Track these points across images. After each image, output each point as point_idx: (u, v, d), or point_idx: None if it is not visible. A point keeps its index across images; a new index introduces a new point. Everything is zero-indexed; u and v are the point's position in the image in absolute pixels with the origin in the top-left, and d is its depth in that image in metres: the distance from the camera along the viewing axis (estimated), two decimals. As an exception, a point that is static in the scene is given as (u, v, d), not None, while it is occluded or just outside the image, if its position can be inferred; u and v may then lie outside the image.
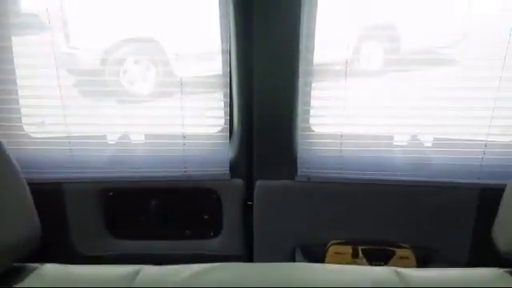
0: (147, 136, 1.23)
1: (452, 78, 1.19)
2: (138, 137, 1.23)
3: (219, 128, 1.20)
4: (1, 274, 0.48)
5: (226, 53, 1.13)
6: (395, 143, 1.25)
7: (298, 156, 1.18)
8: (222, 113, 1.18)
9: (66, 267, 0.51)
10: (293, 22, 1.06)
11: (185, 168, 1.21)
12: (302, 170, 1.19)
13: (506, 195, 0.54)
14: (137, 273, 0.51)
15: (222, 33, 1.13)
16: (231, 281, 0.51)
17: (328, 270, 0.51)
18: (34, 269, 0.51)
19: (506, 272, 0.50)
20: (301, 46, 1.10)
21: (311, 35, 1.12)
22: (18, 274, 0.49)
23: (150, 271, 0.51)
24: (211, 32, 1.14)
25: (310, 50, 1.13)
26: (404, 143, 1.26)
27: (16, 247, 0.49)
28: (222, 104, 1.17)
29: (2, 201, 0.48)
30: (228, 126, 1.18)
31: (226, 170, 1.20)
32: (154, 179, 1.19)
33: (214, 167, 1.21)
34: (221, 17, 1.11)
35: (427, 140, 1.25)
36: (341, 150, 1.21)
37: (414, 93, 1.18)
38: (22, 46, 1.15)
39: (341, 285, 0.48)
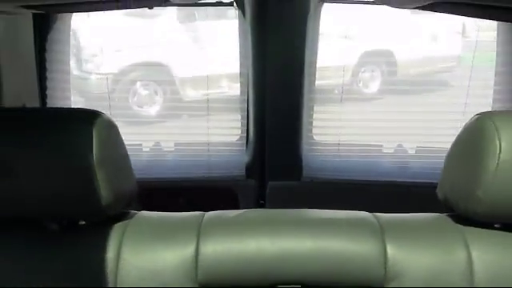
0: (177, 144, 1.51)
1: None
2: (170, 145, 1.51)
3: (237, 137, 1.48)
4: (113, 216, 0.74)
5: (244, 75, 1.42)
6: (384, 150, 1.53)
7: (303, 160, 1.46)
8: (239, 124, 1.46)
9: (157, 213, 0.77)
10: (299, 50, 1.35)
11: (209, 170, 1.48)
12: (306, 173, 1.47)
13: (447, 156, 0.77)
14: (202, 215, 0.76)
15: (240, 59, 1.42)
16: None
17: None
18: (134, 214, 0.77)
19: (447, 216, 0.76)
20: (305, 70, 1.39)
21: (314, 62, 1.40)
22: (125, 216, 0.75)
23: (212, 214, 0.77)
24: (232, 59, 1.44)
25: (313, 74, 1.42)
26: (391, 150, 1.54)
27: (125, 197, 0.75)
28: (240, 117, 1.45)
29: (121, 161, 0.73)
30: (245, 135, 1.46)
31: (242, 172, 1.48)
32: (183, 180, 1.46)
33: (232, 170, 1.48)
34: (240, 46, 1.41)
35: (411, 147, 1.53)
36: (339, 156, 1.49)
37: (401, 113, 1.47)
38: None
39: (315, 221, 0.73)
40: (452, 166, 0.75)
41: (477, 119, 0.71)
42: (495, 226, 0.73)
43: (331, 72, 1.58)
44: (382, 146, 1.54)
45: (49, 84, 1.39)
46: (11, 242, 0.73)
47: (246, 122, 1.45)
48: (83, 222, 0.75)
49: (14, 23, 1.22)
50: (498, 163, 0.67)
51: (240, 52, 1.41)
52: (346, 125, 1.47)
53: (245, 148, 1.48)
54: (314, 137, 1.48)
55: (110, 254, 0.70)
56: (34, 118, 0.72)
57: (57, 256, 0.71)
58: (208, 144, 1.49)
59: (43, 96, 1.36)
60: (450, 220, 0.75)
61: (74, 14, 1.39)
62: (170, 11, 2.13)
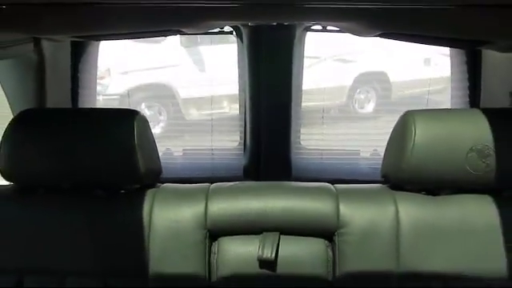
0: (185, 150, 1.85)
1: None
2: (178, 149, 1.84)
3: (236, 143, 1.81)
4: (145, 186, 1.06)
5: (242, 94, 1.76)
6: (361, 155, 1.87)
7: (292, 163, 1.79)
8: (239, 133, 1.80)
9: (177, 184, 1.10)
10: (286, 74, 1.69)
11: (212, 172, 1.81)
12: (294, 173, 1.79)
13: (387, 143, 1.09)
14: (209, 185, 1.09)
15: (238, 81, 1.77)
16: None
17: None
18: (160, 185, 1.09)
19: (385, 186, 1.08)
20: (293, 90, 1.73)
21: (300, 84, 1.75)
22: (154, 186, 1.07)
23: (216, 184, 1.09)
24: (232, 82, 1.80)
25: (299, 93, 1.77)
26: (367, 155, 1.87)
27: (155, 171, 1.08)
28: (240, 128, 1.79)
29: (152, 146, 1.06)
30: (243, 141, 1.79)
31: (240, 173, 1.80)
32: (190, 179, 1.78)
33: (232, 171, 1.81)
34: (238, 67, 1.76)
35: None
36: (322, 159, 1.82)
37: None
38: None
39: (289, 188, 1.07)
40: (388, 149, 1.09)
41: (403, 115, 1.05)
42: (421, 192, 1.06)
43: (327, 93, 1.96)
44: (359, 151, 1.88)
45: (80, 104, 1.74)
46: (69, 206, 1.06)
47: (243, 131, 1.79)
48: (123, 191, 1.08)
49: (58, 48, 1.57)
50: (413, 144, 1.01)
51: (239, 74, 1.77)
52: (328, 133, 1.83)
53: (243, 153, 1.82)
54: (301, 142, 1.82)
55: (145, 211, 1.03)
56: (92, 114, 1.07)
57: (104, 215, 1.04)
58: (212, 150, 1.83)
59: None
60: (386, 188, 1.08)
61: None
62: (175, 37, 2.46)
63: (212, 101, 2.13)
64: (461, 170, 1.01)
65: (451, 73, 1.78)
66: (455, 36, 1.34)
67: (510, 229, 1.01)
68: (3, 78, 1.53)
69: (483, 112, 1.05)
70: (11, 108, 1.57)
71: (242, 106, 1.79)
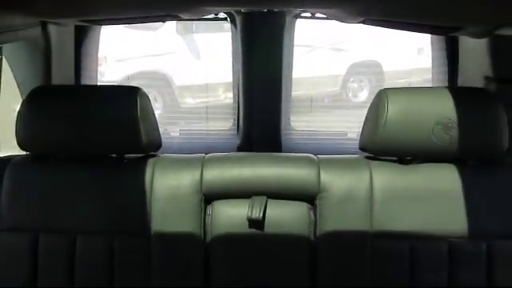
0: (182, 130, 1.98)
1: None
2: (175, 129, 1.98)
3: (231, 124, 1.95)
4: (147, 155, 1.20)
5: (236, 78, 1.89)
6: (348, 136, 2.00)
7: (282, 143, 1.92)
8: (232, 115, 1.94)
9: (176, 154, 1.23)
10: (277, 60, 1.81)
11: (207, 151, 1.95)
12: (284, 151, 1.93)
13: (364, 119, 1.23)
14: (204, 155, 1.22)
15: (232, 65, 1.90)
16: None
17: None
18: (161, 154, 1.22)
19: (363, 156, 1.22)
20: (283, 74, 1.86)
21: (290, 70, 1.88)
22: (155, 155, 1.21)
23: (211, 154, 1.23)
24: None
25: (289, 77, 1.90)
26: (354, 136, 2.01)
27: (156, 142, 1.22)
28: (234, 110, 1.93)
29: (152, 118, 1.20)
30: (236, 123, 1.92)
31: (234, 152, 1.94)
32: None
33: (226, 150, 1.94)
34: (232, 53, 1.88)
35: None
36: (310, 139, 1.96)
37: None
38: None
39: (276, 157, 1.22)
40: (365, 124, 1.23)
41: (378, 93, 1.19)
42: (393, 161, 1.20)
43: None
44: (346, 132, 2.02)
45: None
46: (78, 173, 1.20)
47: (237, 114, 1.92)
48: (127, 160, 1.22)
49: (63, 33, 1.69)
50: (386, 119, 1.15)
51: (233, 59, 1.90)
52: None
53: (236, 133, 1.95)
54: (291, 123, 1.95)
55: (147, 177, 1.17)
56: (98, 90, 1.20)
57: (110, 181, 1.18)
58: (207, 130, 1.97)
59: None
60: (362, 158, 1.22)
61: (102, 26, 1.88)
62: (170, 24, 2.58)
63: (207, 88, 2.26)
64: (428, 141, 1.15)
65: (432, 58, 1.92)
66: (433, 23, 1.48)
67: (471, 194, 1.15)
68: (12, 60, 1.66)
69: (449, 90, 1.19)
70: (19, 88, 1.70)
71: (236, 88, 1.92)
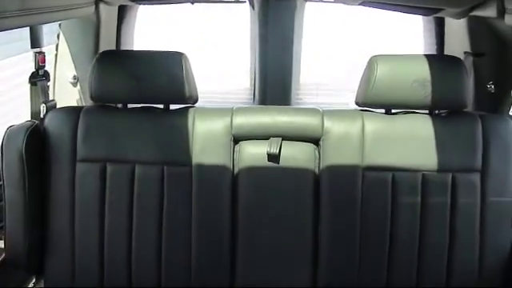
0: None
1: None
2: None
3: (248, 87, 2.33)
4: (189, 106, 1.59)
5: (253, 53, 2.28)
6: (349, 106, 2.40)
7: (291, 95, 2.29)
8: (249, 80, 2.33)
9: (208, 107, 1.63)
10: (288, 39, 2.18)
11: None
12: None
13: (363, 72, 1.63)
14: (233, 107, 1.61)
15: (250, 42, 2.28)
16: None
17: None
18: (199, 106, 1.63)
19: (358, 109, 1.61)
20: (293, 48, 2.24)
21: (300, 46, 2.25)
22: (195, 106, 1.61)
23: (239, 106, 1.62)
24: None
25: (299, 53, 2.28)
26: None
27: (196, 96, 1.62)
28: (251, 81, 2.32)
29: (193, 75, 1.62)
30: (253, 86, 2.30)
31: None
32: None
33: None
34: (251, 31, 2.27)
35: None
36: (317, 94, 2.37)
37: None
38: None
39: (292, 109, 1.62)
40: (360, 83, 1.61)
41: (370, 59, 1.57)
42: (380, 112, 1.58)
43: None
44: (348, 103, 2.41)
45: None
46: (137, 117, 1.59)
47: (254, 78, 2.30)
48: (174, 107, 1.61)
49: (109, 12, 2.08)
50: (375, 78, 1.53)
51: (251, 37, 2.28)
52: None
53: (252, 98, 2.34)
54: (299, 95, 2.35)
55: (190, 121, 1.57)
56: (152, 54, 1.59)
57: (162, 123, 1.57)
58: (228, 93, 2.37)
59: None
60: (358, 110, 1.61)
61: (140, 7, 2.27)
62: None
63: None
64: (407, 95, 1.53)
65: (424, 37, 2.31)
66: (420, 5, 1.86)
67: (440, 137, 1.53)
68: (68, 34, 2.05)
69: (425, 56, 1.57)
70: (72, 58, 2.10)
71: (253, 64, 2.30)
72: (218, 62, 2.55)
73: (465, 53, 2.00)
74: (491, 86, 1.93)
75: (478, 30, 1.90)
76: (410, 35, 2.58)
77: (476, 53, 1.95)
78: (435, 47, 2.27)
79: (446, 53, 2.19)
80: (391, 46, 2.54)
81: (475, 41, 1.94)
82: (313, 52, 2.45)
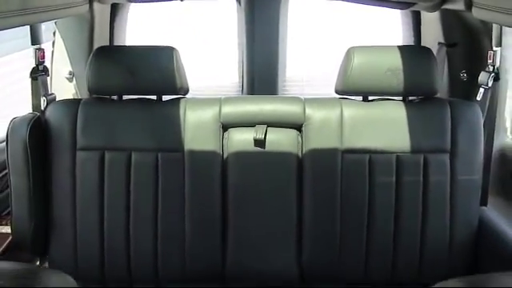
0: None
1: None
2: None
3: (237, 81, 2.48)
4: (181, 97, 1.74)
5: (241, 48, 2.41)
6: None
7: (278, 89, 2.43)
8: (237, 74, 2.47)
9: (198, 97, 1.77)
10: (274, 30, 2.33)
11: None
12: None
13: (341, 62, 1.79)
14: (221, 97, 1.74)
15: (238, 36, 2.42)
16: None
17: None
18: (190, 97, 1.77)
19: (338, 97, 1.76)
20: (279, 43, 2.38)
21: (285, 40, 2.40)
22: (185, 97, 1.76)
23: (227, 96, 1.76)
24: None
25: (285, 47, 2.42)
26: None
27: (187, 87, 1.77)
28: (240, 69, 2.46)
29: (183, 68, 1.77)
30: (241, 80, 2.44)
31: None
32: None
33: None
34: (238, 26, 2.41)
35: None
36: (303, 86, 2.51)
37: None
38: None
39: (275, 98, 1.80)
40: (338, 73, 1.76)
41: (347, 50, 1.72)
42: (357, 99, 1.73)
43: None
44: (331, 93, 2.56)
45: None
46: (132, 107, 1.72)
47: (242, 73, 2.44)
48: (166, 98, 1.75)
49: (102, 10, 2.21)
50: (352, 67, 1.68)
51: (238, 31, 2.42)
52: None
53: (241, 90, 2.48)
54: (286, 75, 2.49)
55: (181, 111, 1.71)
56: (144, 48, 1.73)
57: (155, 113, 1.71)
58: (217, 86, 2.50)
59: None
60: (337, 98, 1.76)
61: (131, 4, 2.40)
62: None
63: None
64: (382, 83, 1.68)
65: (402, 30, 2.46)
66: (395, -1, 2.01)
67: (411, 121, 1.69)
68: (63, 32, 2.18)
69: (397, 47, 1.72)
70: (68, 54, 2.23)
71: (241, 58, 2.44)
72: (209, 58, 2.68)
73: (439, 43, 2.16)
74: (464, 75, 2.09)
75: (451, 22, 2.05)
76: (391, 28, 2.74)
77: (449, 43, 2.11)
78: (413, 39, 2.42)
79: (422, 43, 2.35)
80: (374, 38, 2.69)
81: (448, 32, 2.10)
82: (299, 47, 2.59)
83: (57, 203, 1.69)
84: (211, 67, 2.68)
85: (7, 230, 1.72)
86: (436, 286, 0.84)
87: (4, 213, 1.84)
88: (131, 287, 1.73)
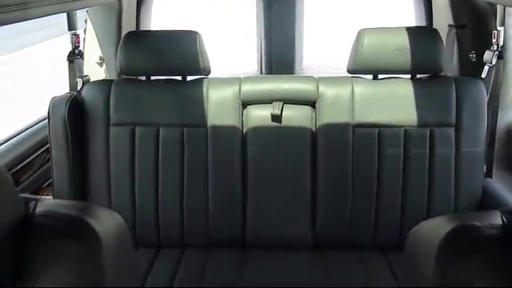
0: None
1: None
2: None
3: (257, 67, 2.63)
4: (203, 77, 1.93)
5: (259, 35, 2.57)
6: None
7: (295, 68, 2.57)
8: (256, 63, 2.62)
9: (219, 77, 1.94)
10: (292, 15, 2.47)
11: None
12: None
13: (352, 43, 1.91)
14: (241, 77, 1.91)
15: (257, 22, 2.57)
16: None
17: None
18: (212, 77, 1.96)
19: (349, 76, 1.90)
20: (296, 26, 2.52)
21: (302, 24, 2.54)
22: (207, 78, 1.95)
23: (247, 76, 1.92)
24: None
25: (302, 31, 2.56)
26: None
27: (209, 68, 1.94)
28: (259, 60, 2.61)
29: (205, 50, 1.94)
30: (260, 65, 2.60)
31: None
32: None
33: None
34: (257, 12, 2.56)
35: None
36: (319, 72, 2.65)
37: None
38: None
39: (292, 77, 1.96)
40: (350, 54, 1.90)
41: (358, 31, 1.86)
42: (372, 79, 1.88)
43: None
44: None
45: None
46: (159, 86, 1.90)
47: (260, 58, 2.60)
48: (190, 78, 1.92)
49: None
50: (362, 47, 1.82)
51: (257, 17, 2.57)
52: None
53: (260, 69, 2.63)
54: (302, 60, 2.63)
55: (204, 89, 1.88)
56: (170, 33, 1.90)
57: (180, 91, 1.89)
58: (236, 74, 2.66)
59: None
60: (349, 77, 1.90)
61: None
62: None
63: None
64: (390, 62, 1.82)
65: (414, 12, 2.57)
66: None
67: (418, 97, 1.82)
68: (94, 19, 2.37)
69: (405, 28, 1.85)
70: (98, 40, 2.42)
71: (259, 44, 2.59)
72: (229, 48, 2.83)
73: (449, 26, 2.28)
74: (473, 55, 2.20)
75: (459, 5, 2.17)
76: (404, 14, 2.86)
77: (458, 25, 2.22)
78: (425, 22, 2.54)
79: (434, 26, 2.47)
80: (388, 24, 2.82)
81: (457, 15, 2.21)
82: (317, 35, 2.72)
83: (93, 174, 1.89)
84: (231, 57, 2.84)
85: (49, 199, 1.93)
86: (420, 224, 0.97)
87: (45, 184, 2.05)
88: (159, 251, 1.91)
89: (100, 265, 0.79)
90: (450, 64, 2.21)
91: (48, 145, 1.89)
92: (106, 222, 0.87)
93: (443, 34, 2.27)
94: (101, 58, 2.42)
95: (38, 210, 0.85)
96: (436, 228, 0.87)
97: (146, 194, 1.87)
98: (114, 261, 0.82)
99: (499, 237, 0.83)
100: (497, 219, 0.86)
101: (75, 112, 1.86)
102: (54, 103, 1.84)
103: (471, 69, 2.22)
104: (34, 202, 0.88)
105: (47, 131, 1.86)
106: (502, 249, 0.82)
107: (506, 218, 0.86)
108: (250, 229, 1.89)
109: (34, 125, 2.12)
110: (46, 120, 1.86)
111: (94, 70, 2.49)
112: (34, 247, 0.81)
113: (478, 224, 0.85)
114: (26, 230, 0.82)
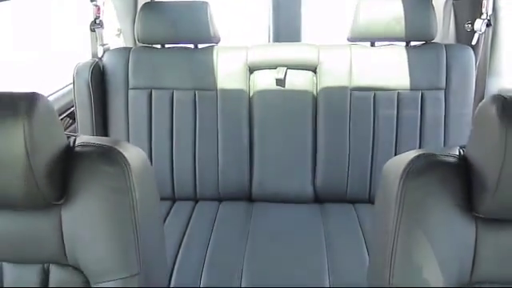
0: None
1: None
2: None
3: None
4: (212, 45, 2.12)
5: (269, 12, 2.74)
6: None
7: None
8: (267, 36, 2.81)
9: (227, 45, 2.13)
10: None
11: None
12: None
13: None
14: (248, 45, 2.12)
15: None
16: None
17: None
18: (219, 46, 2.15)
19: (348, 44, 2.10)
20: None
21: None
22: (217, 46, 2.14)
23: (254, 44, 2.12)
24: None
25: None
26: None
27: (218, 37, 2.14)
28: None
29: (214, 20, 2.11)
30: (269, 28, 2.76)
31: None
32: None
33: None
34: None
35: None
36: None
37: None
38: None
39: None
40: (350, 23, 2.06)
41: (357, 3, 2.02)
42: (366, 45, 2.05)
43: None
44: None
45: None
46: (173, 53, 2.10)
47: (268, 35, 2.77)
48: (202, 46, 2.11)
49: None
50: (359, 17, 1.99)
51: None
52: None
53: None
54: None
55: (214, 56, 2.08)
56: (183, 4, 2.09)
57: (192, 57, 2.09)
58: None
59: None
60: (348, 44, 2.08)
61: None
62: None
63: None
64: (386, 30, 2.00)
65: None
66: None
67: (411, 62, 2.00)
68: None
69: (401, 1, 2.01)
70: (117, 13, 2.61)
71: (268, 21, 2.77)
72: (240, 23, 3.00)
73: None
74: (468, 25, 2.36)
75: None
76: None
77: (456, -1, 2.38)
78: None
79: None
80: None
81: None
82: (320, 14, 2.87)
83: (114, 132, 2.11)
84: (242, 32, 3.00)
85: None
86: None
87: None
88: (174, 204, 2.14)
89: (129, 181, 1.01)
90: (447, 34, 2.37)
91: (71, 109, 2.11)
92: (132, 150, 1.08)
93: (441, 5, 2.43)
94: (118, 30, 2.62)
95: (77, 143, 1.07)
96: (404, 158, 1.06)
97: (162, 151, 2.09)
98: (139, 179, 1.03)
99: (455, 164, 1.03)
100: (455, 151, 1.06)
101: (97, 77, 2.07)
102: (79, 68, 2.05)
103: (466, 38, 2.38)
104: (73, 138, 1.09)
105: (72, 96, 2.08)
106: (455, 173, 1.02)
107: (462, 150, 1.06)
108: (256, 184, 2.10)
109: (58, 91, 2.34)
110: (68, 87, 2.07)
111: (112, 40, 2.70)
112: (76, 169, 1.03)
113: (437, 152, 1.05)
114: (69, 156, 1.03)
